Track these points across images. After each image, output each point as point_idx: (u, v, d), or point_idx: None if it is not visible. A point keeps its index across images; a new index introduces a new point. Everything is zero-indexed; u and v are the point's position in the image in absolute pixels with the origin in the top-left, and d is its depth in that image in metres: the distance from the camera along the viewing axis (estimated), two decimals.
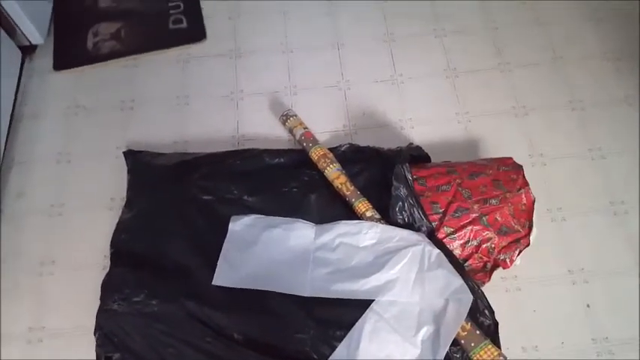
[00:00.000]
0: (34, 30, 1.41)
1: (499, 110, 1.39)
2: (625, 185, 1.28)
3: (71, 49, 1.49)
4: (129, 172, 1.26)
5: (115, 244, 1.16)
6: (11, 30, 1.37)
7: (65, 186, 1.29)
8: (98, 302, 1.07)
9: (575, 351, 1.10)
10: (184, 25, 1.52)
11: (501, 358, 0.97)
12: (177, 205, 1.19)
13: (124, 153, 1.29)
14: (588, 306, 1.14)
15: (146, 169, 1.26)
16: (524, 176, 1.15)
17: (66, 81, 1.45)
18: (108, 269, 1.12)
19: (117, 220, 1.19)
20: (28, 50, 1.47)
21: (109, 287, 1.09)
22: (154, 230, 1.17)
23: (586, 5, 1.56)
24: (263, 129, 1.37)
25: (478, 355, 0.97)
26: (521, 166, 1.17)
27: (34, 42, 1.45)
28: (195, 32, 1.51)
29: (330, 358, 1.00)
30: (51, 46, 1.49)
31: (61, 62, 1.46)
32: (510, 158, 1.19)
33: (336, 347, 1.01)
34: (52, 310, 1.15)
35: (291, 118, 1.32)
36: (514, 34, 1.51)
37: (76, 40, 1.50)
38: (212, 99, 1.41)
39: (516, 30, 1.52)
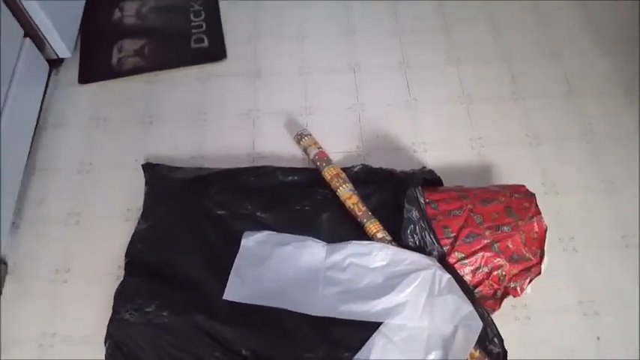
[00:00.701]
0: (62, 44, 1.45)
1: (512, 138, 1.41)
2: (637, 219, 1.28)
3: (96, 64, 1.53)
4: (146, 184, 1.29)
5: (129, 254, 1.18)
6: (41, 44, 1.42)
7: (84, 195, 1.32)
8: (110, 311, 1.08)
9: None
10: (206, 44, 1.57)
11: None
12: (192, 218, 1.21)
13: (143, 165, 1.32)
14: (598, 338, 1.13)
15: (163, 182, 1.28)
16: (536, 204, 1.15)
17: (89, 94, 1.49)
18: (121, 279, 1.14)
19: (133, 231, 1.21)
20: (55, 63, 1.52)
21: (122, 296, 1.11)
22: (168, 242, 1.19)
23: (601, 40, 1.59)
24: (278, 147, 1.39)
25: None
26: (534, 194, 1.17)
27: (61, 56, 1.49)
28: (216, 52, 1.55)
29: None
30: (77, 60, 1.54)
31: (86, 76, 1.51)
32: (523, 186, 1.20)
33: None
34: (64, 316, 1.17)
35: (306, 138, 1.34)
36: (529, 65, 1.54)
37: (102, 55, 1.55)
38: (230, 117, 1.45)
39: (531, 61, 1.55)
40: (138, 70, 1.52)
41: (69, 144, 1.40)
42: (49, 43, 1.44)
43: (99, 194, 1.32)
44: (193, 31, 1.59)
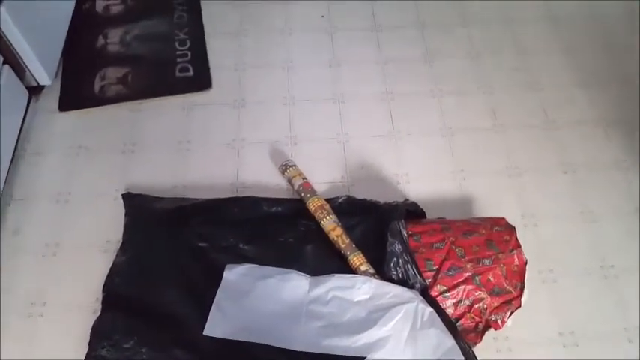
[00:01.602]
0: (43, 71, 1.44)
1: (493, 170, 1.43)
2: (615, 249, 1.31)
3: (78, 91, 1.52)
4: (126, 214, 1.27)
5: (107, 287, 1.16)
6: (21, 71, 1.40)
7: (62, 226, 1.29)
8: (87, 346, 1.06)
9: None
10: (191, 73, 1.57)
11: None
12: (172, 250, 1.20)
13: (123, 196, 1.30)
14: None
15: (143, 213, 1.27)
16: (516, 237, 1.17)
17: (70, 121, 1.47)
18: (99, 313, 1.11)
19: (111, 263, 1.19)
20: (35, 90, 1.50)
21: (98, 332, 1.08)
22: (147, 275, 1.17)
23: (578, 71, 1.64)
24: (262, 177, 1.39)
25: None
26: (514, 227, 1.19)
27: (42, 83, 1.48)
28: (202, 81, 1.55)
29: None
30: (58, 87, 1.52)
31: (67, 103, 1.49)
32: (503, 219, 1.22)
33: None
34: (40, 352, 1.12)
35: (291, 169, 1.34)
36: (509, 97, 1.57)
37: (84, 83, 1.53)
38: (214, 146, 1.44)
39: (511, 93, 1.59)
40: (121, 98, 1.50)
41: (48, 173, 1.38)
42: (29, 70, 1.42)
43: (77, 225, 1.30)
44: (178, 60, 1.60)
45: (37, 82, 1.48)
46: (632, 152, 1.47)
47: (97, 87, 1.53)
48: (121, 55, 1.60)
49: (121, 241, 1.23)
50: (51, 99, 1.50)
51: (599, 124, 1.53)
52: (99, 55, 1.60)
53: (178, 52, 1.61)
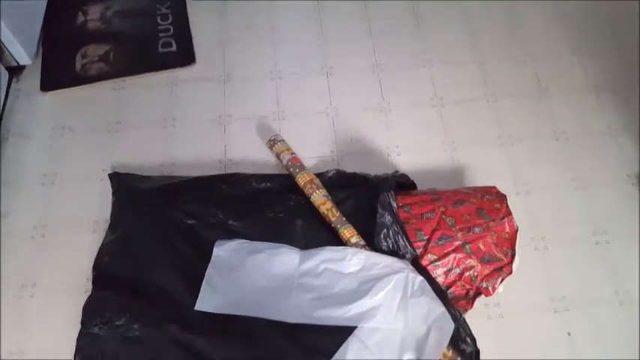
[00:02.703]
0: (22, 51, 1.41)
1: (484, 139, 1.42)
2: (607, 215, 1.31)
3: (59, 71, 1.48)
4: (113, 194, 1.26)
5: (97, 266, 1.15)
6: None
7: (49, 208, 1.28)
8: (79, 325, 1.06)
9: None
10: (174, 48, 1.54)
11: None
12: (161, 228, 1.19)
13: (109, 175, 1.29)
14: (569, 334, 1.15)
15: (131, 192, 1.25)
16: (507, 205, 1.16)
17: (53, 102, 1.45)
18: (90, 292, 1.11)
19: (100, 243, 1.18)
20: (15, 71, 1.46)
21: (90, 311, 1.08)
22: (137, 254, 1.16)
23: (571, 40, 1.61)
24: (250, 153, 1.37)
25: None
26: (505, 195, 1.18)
27: (21, 63, 1.45)
28: (185, 56, 1.52)
29: None
30: (38, 67, 1.48)
31: (49, 83, 1.46)
32: (494, 187, 1.21)
33: None
34: (32, 332, 1.13)
35: (279, 143, 1.33)
36: (501, 66, 1.55)
37: (64, 62, 1.50)
38: (200, 123, 1.42)
39: (503, 61, 1.56)
40: (103, 76, 1.47)
41: (32, 155, 1.36)
42: (7, 50, 1.39)
43: (65, 206, 1.28)
44: (160, 35, 1.56)
45: (17, 63, 1.45)
46: (626, 119, 1.46)
47: (78, 65, 1.49)
48: (102, 32, 1.56)
49: (109, 221, 1.22)
50: (32, 79, 1.47)
51: (593, 92, 1.51)
52: (79, 32, 1.56)
53: (160, 27, 1.57)
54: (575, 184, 1.35)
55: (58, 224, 1.26)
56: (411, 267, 1.09)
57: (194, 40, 1.56)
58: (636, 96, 1.49)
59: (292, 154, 1.30)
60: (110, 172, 1.30)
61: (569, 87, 1.52)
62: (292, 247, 1.15)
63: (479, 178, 1.34)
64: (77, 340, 1.04)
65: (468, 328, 1.05)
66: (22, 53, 1.41)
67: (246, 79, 1.50)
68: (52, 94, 1.46)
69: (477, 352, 1.04)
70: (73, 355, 1.03)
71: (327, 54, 1.56)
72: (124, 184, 1.27)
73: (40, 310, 1.15)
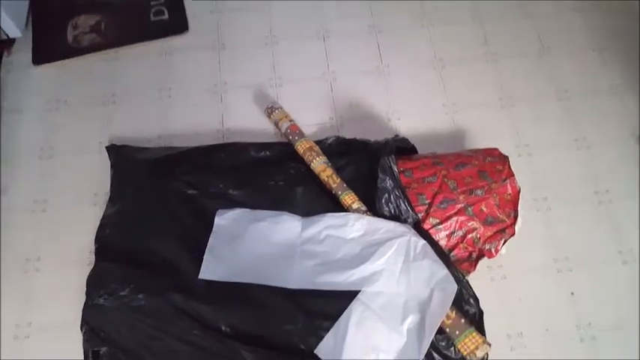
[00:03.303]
0: (12, 23, 1.38)
1: (486, 101, 1.40)
2: (609, 174, 1.30)
3: (50, 43, 1.46)
4: (112, 166, 1.25)
5: (99, 239, 1.16)
6: None
7: (48, 182, 1.28)
8: (84, 297, 1.06)
9: (559, 337, 1.12)
10: (166, 16, 1.50)
11: (485, 345, 0.98)
12: (161, 199, 1.18)
13: (107, 148, 1.27)
14: (572, 294, 1.16)
15: (129, 164, 1.25)
16: (509, 167, 1.15)
17: (46, 75, 1.42)
18: (93, 264, 1.11)
19: (101, 216, 1.18)
20: (6, 44, 1.44)
21: (94, 282, 1.09)
22: (138, 225, 1.16)
23: None
24: (248, 122, 1.35)
25: (463, 343, 0.99)
26: (507, 157, 1.17)
27: (12, 36, 1.42)
28: (177, 24, 1.49)
29: (317, 348, 1.01)
30: (29, 40, 1.46)
31: (41, 56, 1.43)
32: (496, 149, 1.20)
33: (324, 338, 1.02)
34: (38, 306, 1.14)
35: (277, 111, 1.30)
36: (501, 25, 1.51)
37: (56, 34, 1.47)
38: (196, 92, 1.40)
39: (504, 21, 1.52)
40: (95, 47, 1.45)
41: (28, 129, 1.35)
42: None
43: (64, 180, 1.28)
44: (152, 2, 1.52)
45: (7, 36, 1.42)
46: (629, 77, 1.43)
47: (70, 37, 1.46)
48: (93, 2, 1.52)
49: (109, 193, 1.22)
50: (24, 53, 1.45)
51: (596, 50, 1.48)
52: (69, 2, 1.52)
53: None
54: (578, 144, 1.34)
55: (59, 198, 1.26)
56: (413, 231, 1.09)
57: (186, 8, 1.52)
58: (638, 54, 1.46)
59: (291, 121, 1.28)
60: (107, 144, 1.29)
61: (572, 45, 1.49)
62: (294, 215, 1.15)
63: (480, 140, 1.32)
64: (83, 311, 1.05)
65: (471, 289, 1.06)
66: (11, 26, 1.39)
67: (241, 46, 1.47)
68: (44, 67, 1.43)
69: (481, 312, 1.05)
70: (79, 326, 1.04)
71: (322, 17, 1.52)
72: (122, 156, 1.26)
73: (45, 284, 1.17)
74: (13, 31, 1.40)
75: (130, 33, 1.47)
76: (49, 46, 1.45)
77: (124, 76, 1.42)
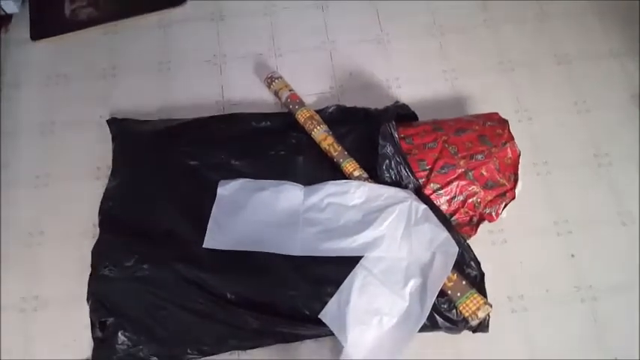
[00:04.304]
0: None
1: (485, 67, 1.39)
2: (609, 137, 1.30)
3: (48, 18, 1.44)
4: (113, 140, 1.25)
5: (102, 211, 1.16)
6: None
7: (50, 156, 1.28)
8: (89, 270, 1.07)
9: (560, 299, 1.13)
10: None
11: (487, 305, 1.00)
12: (163, 171, 1.19)
13: (108, 121, 1.27)
14: (573, 256, 1.17)
15: (131, 137, 1.25)
16: (509, 130, 1.15)
17: (45, 50, 1.42)
18: (97, 237, 1.12)
19: (104, 189, 1.19)
20: (3, 20, 1.43)
21: (99, 254, 1.10)
22: (141, 197, 1.17)
23: None
24: (248, 93, 1.35)
25: (464, 304, 1.00)
26: (507, 121, 1.17)
27: (8, 11, 1.40)
28: None
29: (322, 313, 1.03)
30: (27, 15, 1.44)
31: (38, 31, 1.42)
32: (496, 113, 1.20)
33: (328, 303, 1.03)
34: (43, 279, 1.16)
35: (276, 81, 1.30)
36: None
37: (53, 8, 1.45)
38: (195, 64, 1.39)
39: None
40: (93, 21, 1.43)
41: (28, 104, 1.35)
42: None
43: (66, 154, 1.28)
44: None
45: (4, 11, 1.41)
46: (629, 40, 1.42)
47: (67, 11, 1.45)
48: None
49: (111, 166, 1.22)
50: (21, 28, 1.43)
51: (595, 13, 1.46)
52: None
53: None
54: (578, 108, 1.33)
55: (61, 172, 1.26)
56: (415, 196, 1.10)
57: None
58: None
59: (291, 90, 1.28)
60: (108, 117, 1.29)
61: (571, 8, 1.47)
62: (296, 184, 1.15)
63: (481, 105, 1.32)
64: (89, 283, 1.06)
65: (472, 252, 1.07)
66: (8, 1, 1.37)
67: (240, 16, 1.46)
68: (43, 43, 1.42)
69: (482, 275, 1.06)
70: (85, 298, 1.06)
71: None
72: (123, 129, 1.26)
73: (50, 257, 1.18)
74: (10, 7, 1.39)
75: (128, 6, 1.45)
76: (47, 21, 1.44)
77: (123, 50, 1.41)
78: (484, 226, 1.14)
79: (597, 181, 1.25)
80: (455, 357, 1.07)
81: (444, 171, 1.12)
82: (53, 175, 1.26)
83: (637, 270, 1.15)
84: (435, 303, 1.01)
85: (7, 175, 1.26)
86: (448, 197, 1.11)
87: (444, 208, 1.11)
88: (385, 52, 1.41)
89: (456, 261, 1.02)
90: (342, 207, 1.12)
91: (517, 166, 1.13)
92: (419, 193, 1.11)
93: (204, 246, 1.09)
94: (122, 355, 1.03)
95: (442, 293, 1.02)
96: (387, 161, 1.13)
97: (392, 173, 1.13)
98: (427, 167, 1.13)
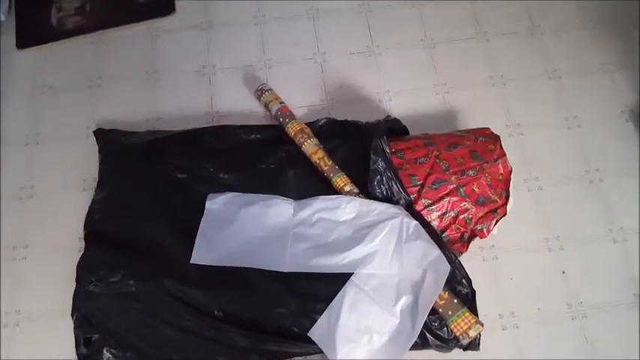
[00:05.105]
0: None
1: (477, 80, 1.39)
2: (600, 152, 1.30)
3: (34, 26, 1.42)
4: (100, 151, 1.23)
5: (88, 225, 1.14)
6: None
7: (35, 168, 1.26)
8: (74, 284, 1.05)
9: (551, 316, 1.12)
10: None
11: (478, 325, 0.99)
12: (151, 184, 1.17)
13: (95, 132, 1.25)
14: (564, 272, 1.16)
15: (118, 148, 1.23)
16: (501, 146, 1.15)
17: (30, 59, 1.39)
18: (83, 251, 1.10)
19: (90, 201, 1.16)
20: None
21: (84, 269, 1.08)
22: (127, 210, 1.14)
23: None
24: (238, 104, 1.33)
25: (455, 323, 0.99)
26: (499, 136, 1.17)
27: None
28: (164, 5, 1.45)
29: (311, 330, 1.01)
30: (13, 23, 1.42)
31: (25, 40, 1.40)
32: (488, 129, 1.19)
33: (317, 320, 1.02)
34: (27, 293, 1.13)
35: (267, 93, 1.29)
36: (492, 4, 1.49)
37: (39, 17, 1.43)
38: (184, 74, 1.38)
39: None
40: (81, 30, 1.41)
41: (13, 115, 1.32)
42: None
43: (51, 165, 1.26)
44: None
45: None
46: (619, 54, 1.42)
47: (54, 20, 1.43)
48: None
49: (97, 178, 1.20)
50: (7, 37, 1.41)
51: (586, 28, 1.47)
52: None
53: None
54: (569, 123, 1.33)
55: (46, 184, 1.24)
56: (406, 212, 1.09)
57: None
58: (630, 31, 1.45)
59: (281, 103, 1.27)
60: (95, 128, 1.27)
61: (562, 23, 1.47)
62: (286, 198, 1.13)
63: (472, 120, 1.31)
64: (73, 298, 1.04)
65: (464, 269, 1.06)
66: None
67: (229, 26, 1.44)
68: (29, 51, 1.40)
69: (473, 293, 1.05)
70: (70, 313, 1.03)
71: None
72: (110, 140, 1.24)
73: (34, 271, 1.15)
74: None
75: (116, 15, 1.44)
76: (33, 30, 1.42)
77: (111, 60, 1.39)
78: (475, 242, 1.13)
79: (588, 196, 1.25)
80: None
81: (435, 187, 1.11)
82: (38, 187, 1.24)
83: (627, 287, 1.15)
84: (426, 321, 1.00)
85: None
86: (439, 213, 1.11)
87: (435, 224, 1.10)
88: (376, 65, 1.40)
89: (447, 278, 1.01)
90: (333, 222, 1.10)
91: (509, 183, 1.13)
92: (410, 208, 1.10)
93: (191, 261, 1.07)
94: None
95: (433, 311, 1.01)
96: (379, 177, 1.12)
97: (383, 189, 1.12)
98: (418, 182, 1.12)
